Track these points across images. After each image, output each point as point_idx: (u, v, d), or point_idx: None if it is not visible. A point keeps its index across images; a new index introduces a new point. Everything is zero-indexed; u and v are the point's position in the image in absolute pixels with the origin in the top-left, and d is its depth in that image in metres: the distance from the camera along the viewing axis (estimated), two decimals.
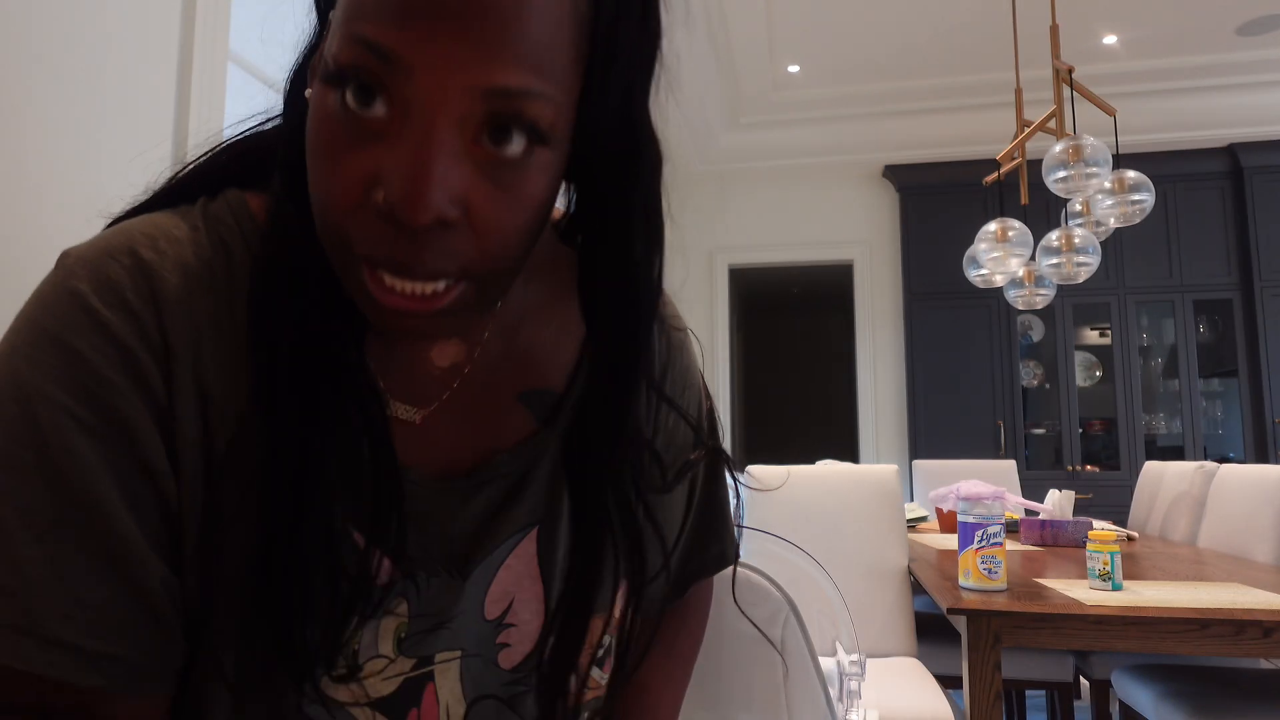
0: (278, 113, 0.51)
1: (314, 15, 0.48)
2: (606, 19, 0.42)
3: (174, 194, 0.50)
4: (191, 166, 0.51)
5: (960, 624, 1.66)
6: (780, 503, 2.30)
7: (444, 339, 0.52)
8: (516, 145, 0.40)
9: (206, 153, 0.51)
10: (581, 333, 0.56)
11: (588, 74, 0.42)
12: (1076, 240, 3.05)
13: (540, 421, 0.54)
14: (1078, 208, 3.10)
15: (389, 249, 0.39)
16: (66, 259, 0.44)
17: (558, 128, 0.41)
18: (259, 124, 0.52)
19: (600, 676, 0.54)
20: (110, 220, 0.49)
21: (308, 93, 0.43)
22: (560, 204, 0.50)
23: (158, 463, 0.42)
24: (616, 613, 0.55)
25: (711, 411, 0.65)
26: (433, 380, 0.52)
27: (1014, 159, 3.33)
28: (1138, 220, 2.99)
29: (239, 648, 0.43)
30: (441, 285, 0.41)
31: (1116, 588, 1.74)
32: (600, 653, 0.54)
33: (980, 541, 1.75)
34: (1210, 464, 2.92)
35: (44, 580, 0.39)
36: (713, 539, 0.64)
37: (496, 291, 0.44)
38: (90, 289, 0.42)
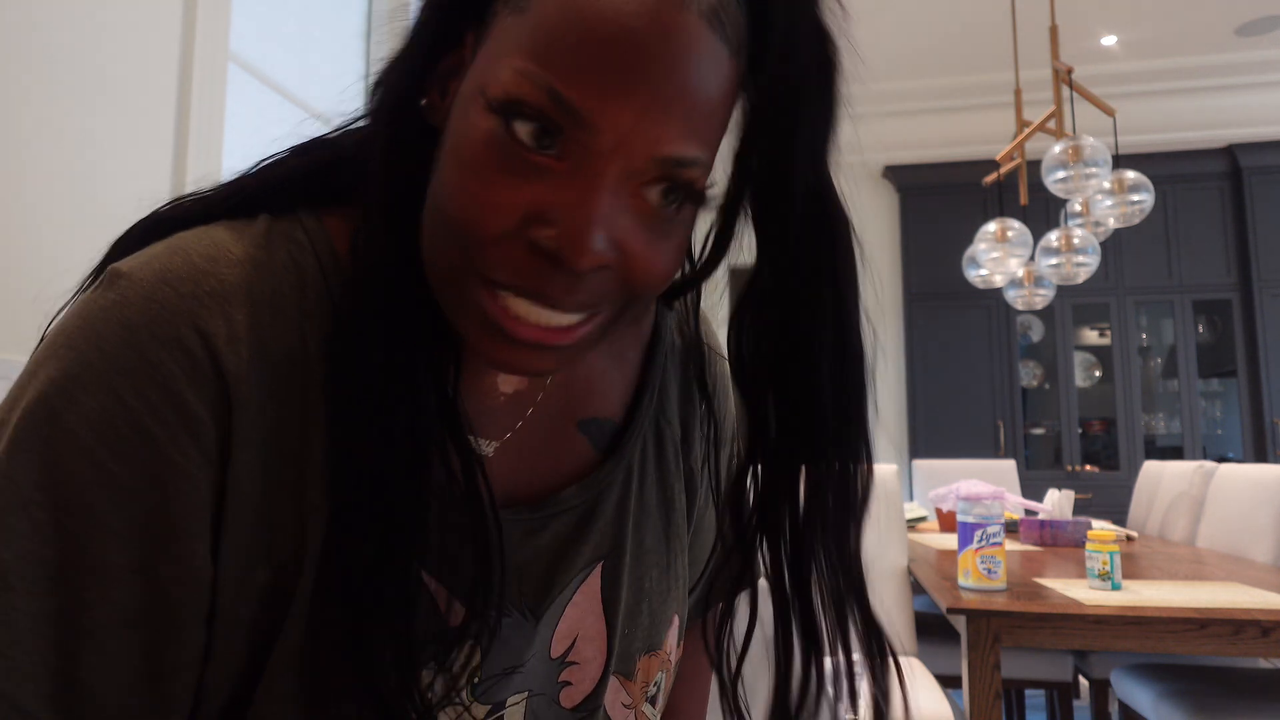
0: (345, 122, 0.48)
1: (416, 13, 0.44)
2: (785, 89, 0.43)
3: (235, 202, 0.46)
4: (254, 172, 0.48)
5: (960, 624, 1.66)
6: None
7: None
8: (674, 204, 0.41)
9: (270, 162, 0.48)
10: (634, 362, 0.56)
11: (768, 140, 0.43)
12: (1076, 240, 3.06)
13: (600, 452, 0.54)
14: (1077, 208, 3.10)
15: (539, 283, 0.39)
16: (119, 280, 0.40)
17: (707, 190, 0.43)
18: (326, 135, 0.49)
19: (653, 715, 0.54)
20: (151, 220, 0.45)
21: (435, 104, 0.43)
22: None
23: (191, 525, 0.39)
24: (668, 649, 0.54)
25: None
26: (498, 409, 0.50)
27: (1013, 159, 3.34)
28: (1137, 221, 2.99)
29: (304, 703, 0.40)
30: (578, 317, 0.41)
31: (1116, 587, 1.74)
32: (654, 689, 0.54)
33: (980, 541, 1.75)
34: (1209, 464, 2.92)
35: (27, 637, 0.36)
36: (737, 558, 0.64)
37: (616, 327, 0.44)
38: (143, 321, 0.39)
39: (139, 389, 0.38)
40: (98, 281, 0.42)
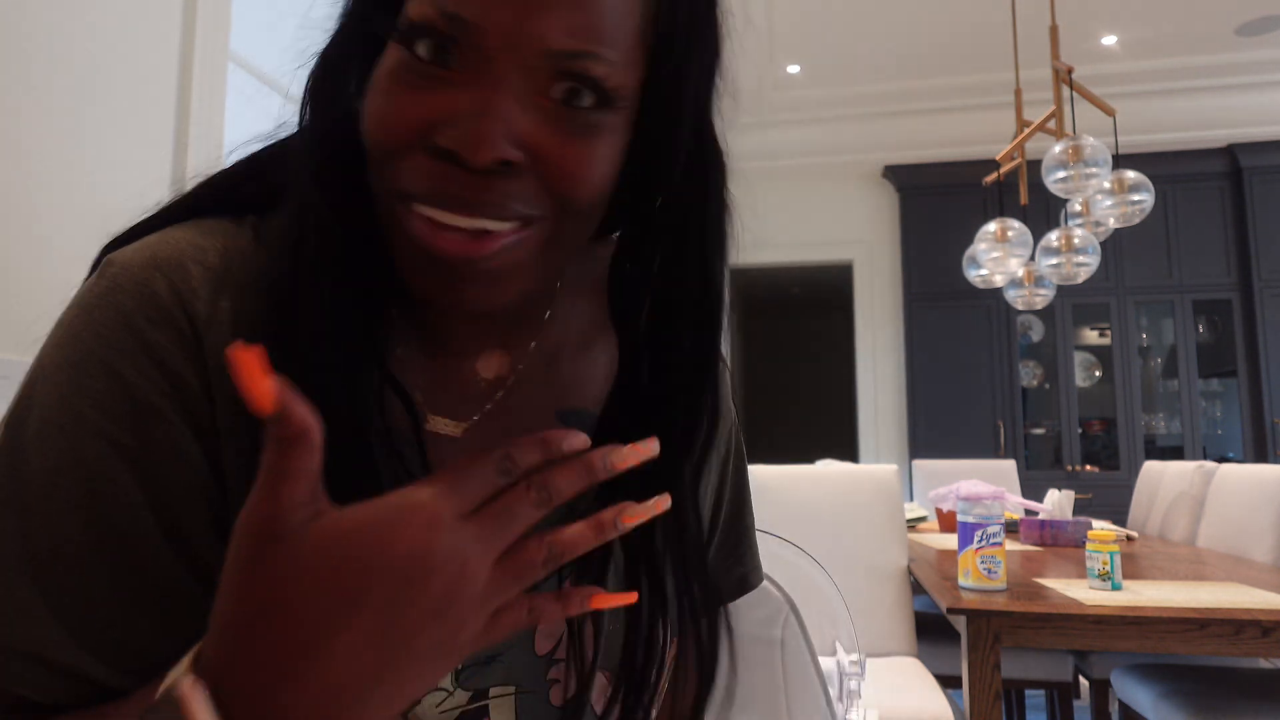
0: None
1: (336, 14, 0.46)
2: (681, 25, 0.45)
3: (214, 199, 0.48)
4: (230, 170, 0.49)
5: (960, 624, 1.66)
6: (780, 503, 2.30)
7: (490, 349, 0.51)
8: (585, 100, 0.41)
9: (249, 159, 0.50)
10: (615, 355, 0.56)
11: (657, 81, 0.45)
12: (1076, 240, 3.06)
13: None
14: (1077, 208, 3.10)
15: (445, 184, 0.40)
16: (111, 268, 0.43)
17: (622, 94, 0.43)
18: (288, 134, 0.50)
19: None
20: (146, 217, 0.47)
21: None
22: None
23: (203, 485, 0.41)
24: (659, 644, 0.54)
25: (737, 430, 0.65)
26: (478, 394, 0.51)
27: (1014, 159, 3.34)
28: (1137, 220, 2.99)
29: None
30: (502, 225, 0.41)
31: (1116, 587, 1.74)
32: None
33: (980, 541, 1.75)
34: (1209, 464, 2.92)
35: (69, 610, 0.38)
36: (736, 562, 0.63)
37: (554, 254, 0.44)
38: (135, 305, 0.41)
39: (138, 366, 0.41)
40: (93, 272, 0.44)
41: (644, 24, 0.43)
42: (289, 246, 0.44)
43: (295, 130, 0.48)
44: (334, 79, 0.45)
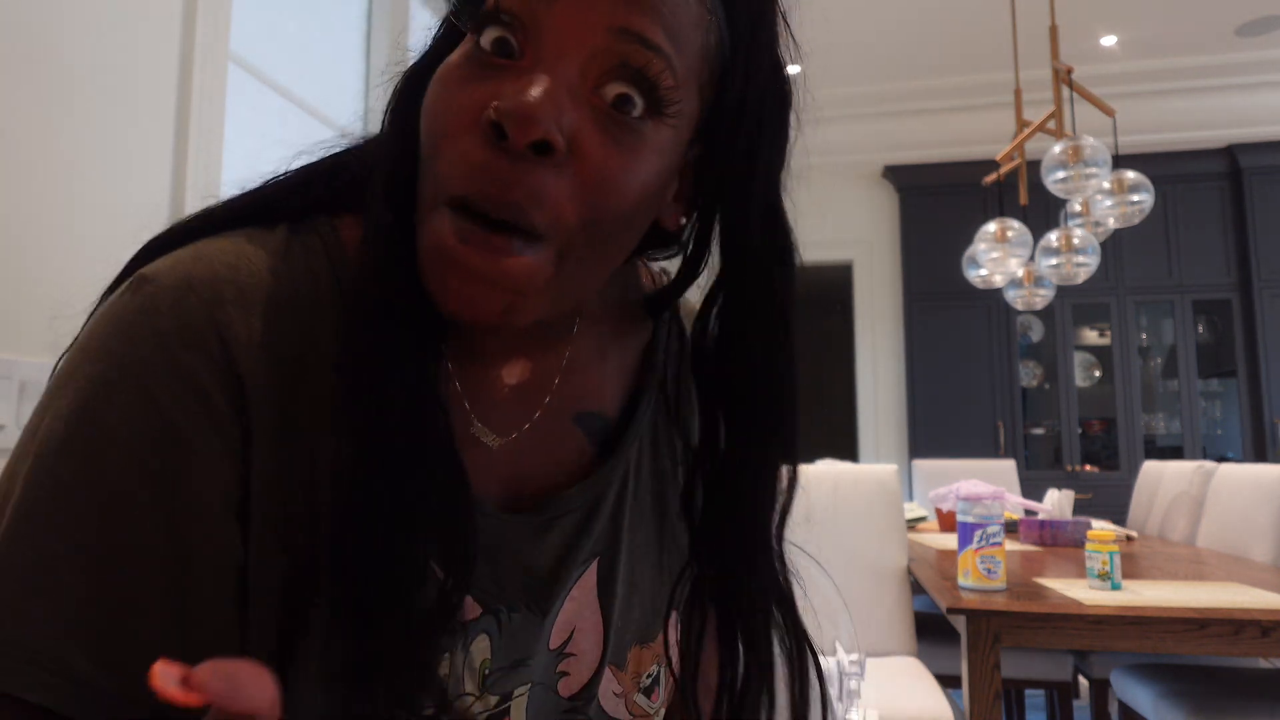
0: (365, 134, 0.50)
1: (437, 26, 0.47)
2: (752, 99, 0.46)
3: (257, 210, 0.48)
4: (277, 181, 0.49)
5: (960, 624, 1.66)
6: None
7: (513, 355, 0.51)
8: (635, 108, 0.41)
9: (294, 170, 0.50)
10: (632, 364, 0.57)
11: (733, 161, 0.46)
12: (1076, 241, 3.06)
13: (594, 447, 0.54)
14: (1077, 208, 3.10)
15: (479, 174, 0.39)
16: (146, 285, 0.43)
17: (677, 107, 0.42)
18: (349, 144, 0.51)
19: (647, 705, 0.55)
20: (181, 224, 0.47)
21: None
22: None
23: (221, 511, 0.41)
24: (662, 642, 0.55)
25: None
26: (504, 402, 0.51)
27: (1013, 159, 3.34)
28: (1137, 221, 2.99)
29: (321, 688, 0.41)
30: (517, 243, 0.40)
31: (1115, 587, 1.74)
32: (647, 681, 0.55)
33: (980, 541, 1.75)
34: (1209, 464, 2.92)
35: (74, 616, 0.39)
36: None
37: (573, 271, 0.42)
38: (170, 326, 0.41)
39: (170, 388, 0.41)
40: (125, 286, 0.43)
41: (707, 51, 0.43)
42: (362, 252, 0.45)
43: (361, 140, 0.50)
44: (417, 91, 0.45)
